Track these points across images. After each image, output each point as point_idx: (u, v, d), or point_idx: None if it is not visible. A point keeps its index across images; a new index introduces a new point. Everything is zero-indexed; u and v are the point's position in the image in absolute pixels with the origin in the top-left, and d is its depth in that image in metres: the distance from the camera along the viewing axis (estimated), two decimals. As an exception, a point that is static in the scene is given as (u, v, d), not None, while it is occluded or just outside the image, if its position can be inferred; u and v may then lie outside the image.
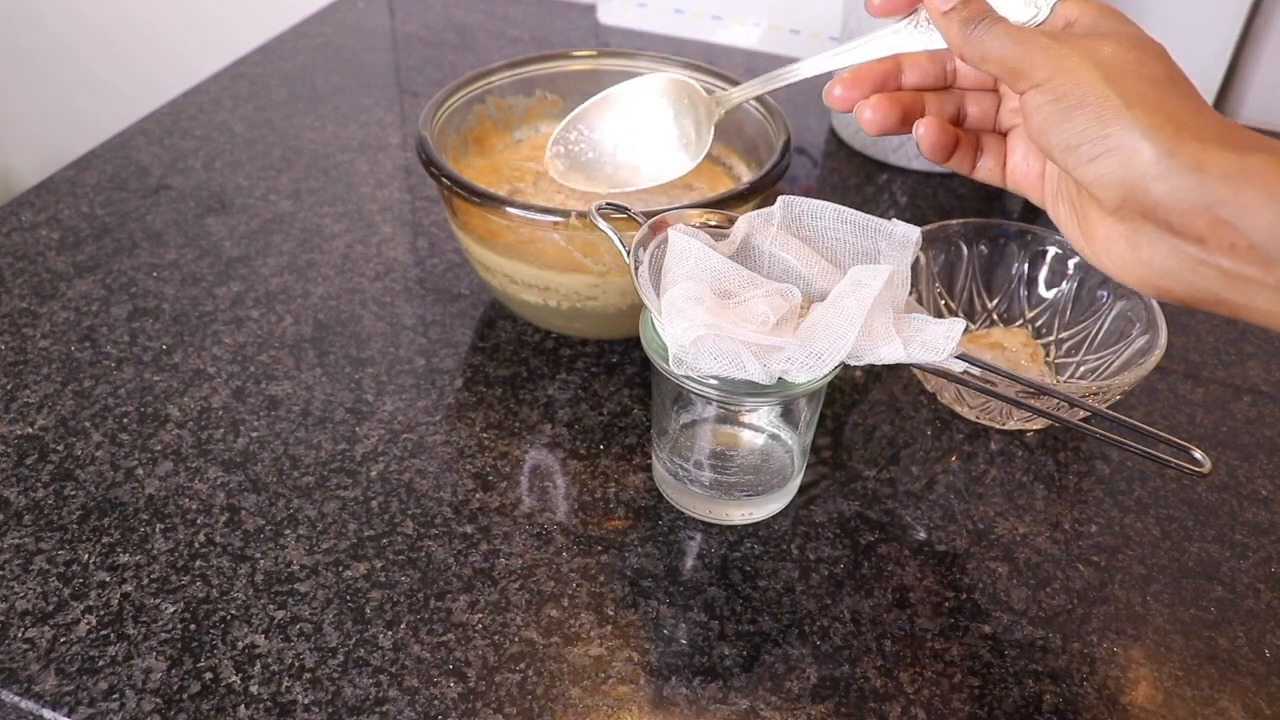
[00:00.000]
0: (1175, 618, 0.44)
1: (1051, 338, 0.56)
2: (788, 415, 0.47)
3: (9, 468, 0.49)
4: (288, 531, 0.46)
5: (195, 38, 1.23)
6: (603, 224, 0.44)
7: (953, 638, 0.43)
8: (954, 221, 0.56)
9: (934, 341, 0.38)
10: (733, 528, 0.47)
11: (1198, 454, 0.40)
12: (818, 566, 0.45)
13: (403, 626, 0.42)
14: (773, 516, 0.48)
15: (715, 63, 0.89)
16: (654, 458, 0.49)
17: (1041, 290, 0.56)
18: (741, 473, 0.47)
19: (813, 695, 0.40)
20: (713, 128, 0.53)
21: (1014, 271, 0.56)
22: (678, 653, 0.42)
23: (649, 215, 0.44)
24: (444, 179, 0.50)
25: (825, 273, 0.42)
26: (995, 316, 0.57)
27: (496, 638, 0.42)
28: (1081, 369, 0.53)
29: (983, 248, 0.56)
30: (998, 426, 0.52)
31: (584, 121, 0.55)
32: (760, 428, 0.48)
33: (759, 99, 0.56)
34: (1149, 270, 0.33)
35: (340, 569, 0.44)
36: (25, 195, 0.68)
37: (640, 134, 0.54)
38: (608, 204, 0.44)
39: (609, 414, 0.53)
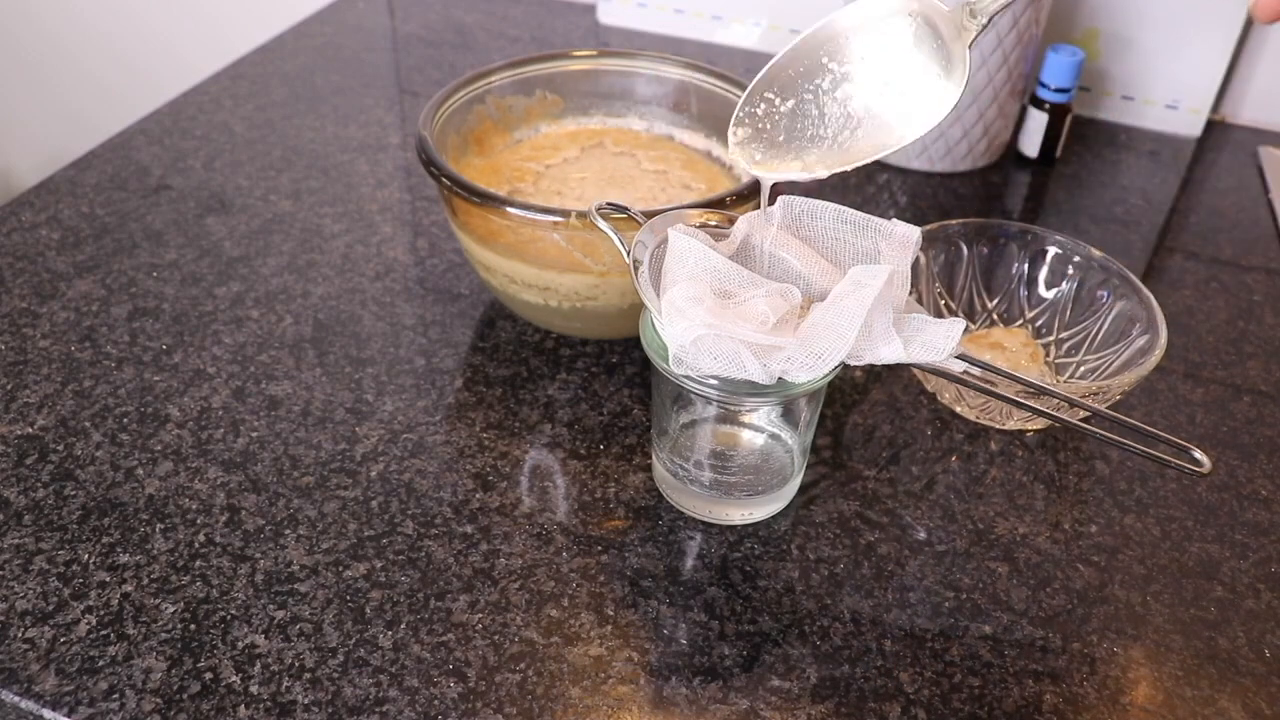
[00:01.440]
0: (1175, 618, 0.44)
1: (1051, 338, 0.56)
2: (788, 415, 0.47)
3: (9, 468, 0.49)
4: (288, 531, 0.46)
5: (195, 38, 1.23)
6: (603, 224, 0.44)
7: (953, 638, 0.43)
8: (954, 221, 0.56)
9: (934, 341, 0.38)
10: (733, 528, 0.47)
11: (1198, 454, 0.40)
12: (818, 566, 0.45)
13: (403, 626, 0.42)
14: (773, 516, 0.48)
15: (715, 62, 0.89)
16: (654, 458, 0.49)
17: (1041, 290, 0.56)
18: (741, 473, 0.47)
19: (813, 695, 0.40)
20: (968, 52, 0.39)
21: (1014, 271, 0.56)
22: (678, 653, 0.42)
23: (649, 215, 0.44)
24: (444, 179, 0.50)
25: (825, 273, 0.42)
26: (995, 316, 0.57)
27: (496, 638, 0.42)
28: (1081, 369, 0.53)
29: (983, 248, 0.56)
30: (998, 426, 0.52)
31: (771, 88, 0.41)
32: (760, 428, 0.48)
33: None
34: None
35: (340, 569, 0.44)
36: (25, 195, 0.68)
37: (858, 91, 0.41)
38: (608, 204, 0.44)
39: (609, 414, 0.53)
